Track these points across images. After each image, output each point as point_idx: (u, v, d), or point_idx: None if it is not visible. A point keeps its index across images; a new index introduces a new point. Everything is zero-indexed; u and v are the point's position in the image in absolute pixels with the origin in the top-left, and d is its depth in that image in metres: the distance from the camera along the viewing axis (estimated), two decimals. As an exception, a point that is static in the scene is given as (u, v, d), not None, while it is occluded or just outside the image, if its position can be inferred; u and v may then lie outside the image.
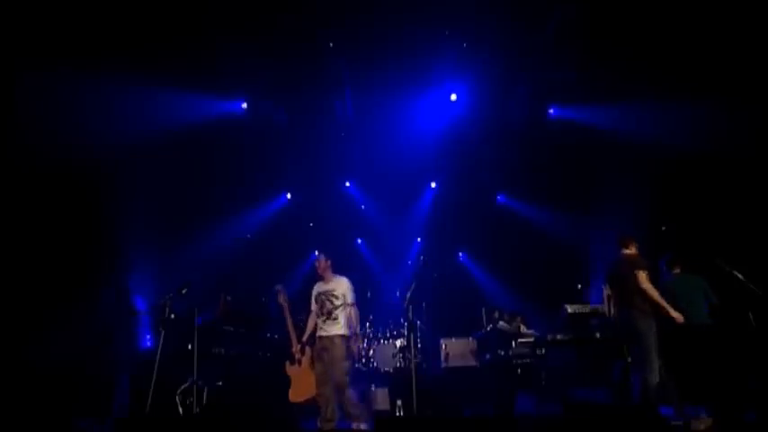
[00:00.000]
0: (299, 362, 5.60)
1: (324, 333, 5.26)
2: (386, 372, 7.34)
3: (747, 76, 6.25)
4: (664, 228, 4.87)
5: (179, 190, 8.14)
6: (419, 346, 7.32)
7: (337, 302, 5.31)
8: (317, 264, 5.57)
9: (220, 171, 8.63)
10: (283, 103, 8.30)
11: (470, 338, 7.53)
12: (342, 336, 5.23)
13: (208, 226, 8.47)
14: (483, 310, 7.99)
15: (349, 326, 5.31)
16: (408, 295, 5.21)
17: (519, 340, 6.82)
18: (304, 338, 5.59)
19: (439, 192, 10.63)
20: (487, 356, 7.33)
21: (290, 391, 5.55)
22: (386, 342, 7.67)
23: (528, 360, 6.72)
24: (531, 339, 6.76)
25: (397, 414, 6.52)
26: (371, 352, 7.67)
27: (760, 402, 5.11)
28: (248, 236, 9.53)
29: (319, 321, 5.33)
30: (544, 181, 9.41)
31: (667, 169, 7.35)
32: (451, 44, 7.19)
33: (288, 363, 5.68)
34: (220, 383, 5.72)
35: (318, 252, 5.74)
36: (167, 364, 5.24)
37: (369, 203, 10.87)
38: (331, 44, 7.11)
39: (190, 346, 5.46)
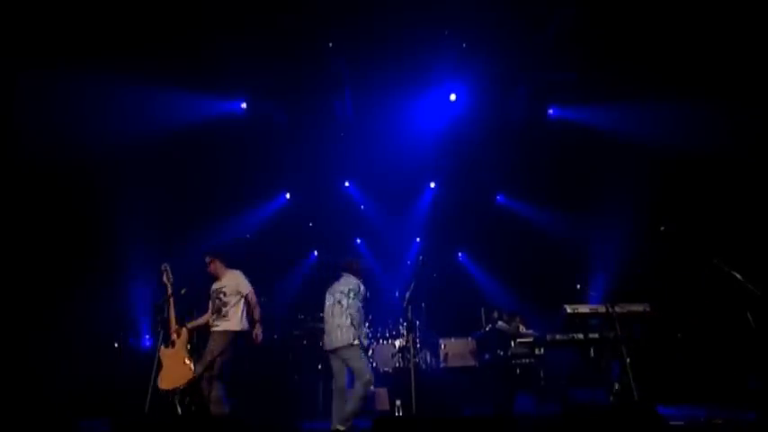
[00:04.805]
0: (173, 344, 5.33)
1: (213, 329, 5.19)
2: (385, 372, 7.34)
3: (747, 77, 6.25)
4: (663, 228, 4.85)
5: (179, 190, 8.15)
6: (418, 346, 7.33)
7: (226, 299, 5.24)
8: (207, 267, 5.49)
9: (220, 171, 8.64)
10: (283, 103, 8.30)
11: (469, 338, 7.52)
12: (229, 331, 5.13)
13: (207, 226, 8.48)
14: (482, 310, 8.00)
15: (244, 318, 5.23)
16: (407, 295, 5.18)
17: (518, 340, 6.82)
18: (188, 325, 5.44)
19: (438, 192, 10.63)
20: (487, 356, 7.33)
21: (160, 376, 5.18)
22: (385, 342, 7.66)
23: (527, 360, 6.71)
24: (531, 339, 6.76)
25: (397, 414, 6.52)
26: (371, 352, 7.67)
27: (760, 402, 5.12)
28: (248, 236, 9.54)
29: (211, 320, 5.25)
30: (544, 181, 9.40)
31: (667, 169, 7.35)
32: (451, 44, 7.19)
33: (162, 346, 5.37)
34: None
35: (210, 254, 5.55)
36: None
37: (368, 203, 10.86)
38: (331, 44, 7.11)
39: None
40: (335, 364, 5.03)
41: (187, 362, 5.22)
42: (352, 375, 5.00)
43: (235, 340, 5.17)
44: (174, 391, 5.15)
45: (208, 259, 5.47)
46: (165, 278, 5.61)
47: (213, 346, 5.07)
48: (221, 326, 5.17)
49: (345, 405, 4.82)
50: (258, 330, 5.27)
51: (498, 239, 10.53)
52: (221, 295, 5.27)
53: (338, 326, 4.93)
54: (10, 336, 6.06)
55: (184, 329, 5.40)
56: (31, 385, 6.06)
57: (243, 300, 5.30)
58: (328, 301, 5.20)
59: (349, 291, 5.07)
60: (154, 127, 7.11)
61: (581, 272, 8.63)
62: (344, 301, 5.02)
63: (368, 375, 4.80)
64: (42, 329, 6.43)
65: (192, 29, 6.54)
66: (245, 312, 5.30)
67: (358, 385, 4.77)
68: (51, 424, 5.17)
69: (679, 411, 5.46)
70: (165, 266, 5.67)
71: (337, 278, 5.32)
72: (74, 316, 6.63)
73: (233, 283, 5.33)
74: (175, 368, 5.21)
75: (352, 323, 4.90)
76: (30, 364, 6.19)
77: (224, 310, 5.21)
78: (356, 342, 4.87)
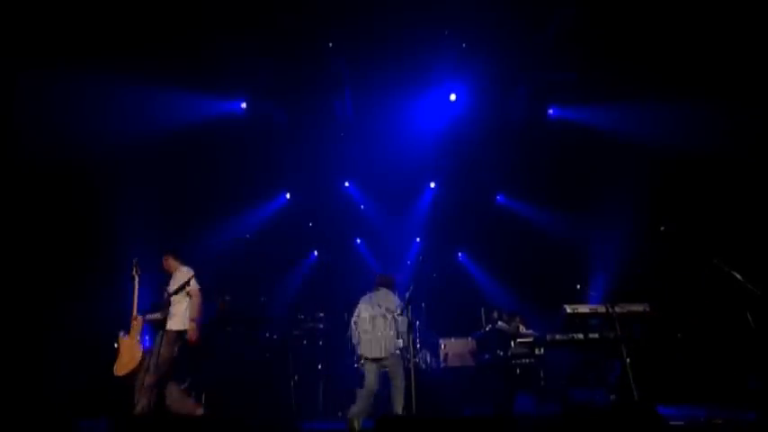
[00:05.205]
0: (129, 333, 5.48)
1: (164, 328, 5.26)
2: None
3: (747, 77, 6.25)
4: (663, 228, 4.85)
5: (179, 190, 8.14)
6: (418, 346, 7.33)
7: (170, 298, 5.25)
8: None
9: (220, 171, 8.64)
10: (283, 103, 8.30)
11: (469, 338, 7.53)
12: (171, 331, 5.17)
13: (207, 226, 8.48)
14: (482, 310, 8.00)
15: (185, 316, 5.25)
16: (408, 295, 5.21)
17: (518, 340, 6.82)
18: (147, 316, 5.52)
19: (438, 192, 10.62)
20: (486, 356, 7.33)
21: (116, 363, 5.41)
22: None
23: (527, 360, 6.71)
24: (530, 339, 6.76)
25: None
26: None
27: (760, 402, 5.12)
28: (248, 236, 9.53)
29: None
30: (544, 181, 9.40)
31: (667, 169, 7.35)
32: (451, 44, 7.20)
33: (121, 334, 5.54)
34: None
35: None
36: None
37: (368, 203, 10.86)
38: (331, 44, 7.11)
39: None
40: (372, 370, 5.34)
41: (136, 347, 5.38)
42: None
43: (177, 339, 5.18)
44: (126, 376, 5.28)
45: (164, 256, 5.57)
46: (134, 271, 5.72)
47: (156, 348, 5.10)
48: (167, 325, 5.19)
49: (395, 407, 5.25)
50: (191, 329, 5.23)
51: (498, 239, 10.52)
52: (166, 294, 5.30)
53: (383, 336, 5.38)
54: (10, 336, 6.06)
55: (140, 318, 5.52)
56: (30, 385, 6.06)
57: (188, 298, 5.31)
58: (367, 311, 5.52)
59: (396, 307, 5.50)
60: (154, 127, 7.11)
61: (581, 272, 8.63)
62: (390, 316, 5.46)
63: (404, 381, 5.30)
64: (42, 329, 6.42)
65: (192, 29, 6.54)
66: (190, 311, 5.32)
67: (396, 392, 5.27)
68: (51, 424, 5.17)
69: (679, 411, 5.45)
70: (136, 261, 5.82)
71: (372, 290, 5.70)
72: (74, 316, 6.63)
73: (180, 281, 5.33)
74: (127, 354, 5.39)
75: (399, 335, 5.39)
76: (30, 363, 6.19)
77: (169, 309, 5.24)
78: (398, 352, 5.41)
